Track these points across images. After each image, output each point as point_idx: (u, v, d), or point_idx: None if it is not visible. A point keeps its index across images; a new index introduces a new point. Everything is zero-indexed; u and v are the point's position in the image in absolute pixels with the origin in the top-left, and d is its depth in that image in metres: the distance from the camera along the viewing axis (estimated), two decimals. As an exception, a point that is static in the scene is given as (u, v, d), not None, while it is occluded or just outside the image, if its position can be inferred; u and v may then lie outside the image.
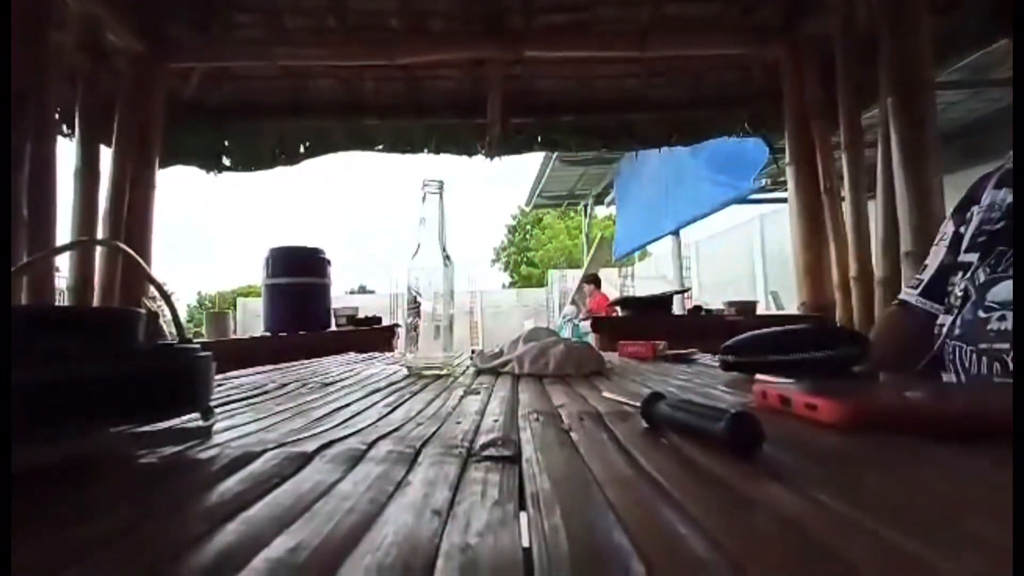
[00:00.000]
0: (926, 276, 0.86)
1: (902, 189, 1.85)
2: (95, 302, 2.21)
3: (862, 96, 2.28)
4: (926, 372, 0.81)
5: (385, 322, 2.85)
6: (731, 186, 4.66)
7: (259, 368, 0.93)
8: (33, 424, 0.27)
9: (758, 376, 0.57)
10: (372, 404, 0.53)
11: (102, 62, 2.33)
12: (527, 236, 22.61)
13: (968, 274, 0.75)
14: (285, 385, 0.69)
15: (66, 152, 2.15)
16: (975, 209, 0.80)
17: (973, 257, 0.75)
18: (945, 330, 0.78)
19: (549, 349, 0.79)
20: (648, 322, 2.53)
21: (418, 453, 0.32)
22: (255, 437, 0.37)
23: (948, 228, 0.85)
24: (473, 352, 1.02)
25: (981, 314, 0.70)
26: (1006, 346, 0.67)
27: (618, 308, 2.90)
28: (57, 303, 2.23)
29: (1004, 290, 0.69)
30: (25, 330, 0.31)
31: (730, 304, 2.76)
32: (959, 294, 0.77)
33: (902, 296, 0.89)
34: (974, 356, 0.71)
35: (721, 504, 0.23)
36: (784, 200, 3.33)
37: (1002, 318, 0.68)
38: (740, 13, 2.75)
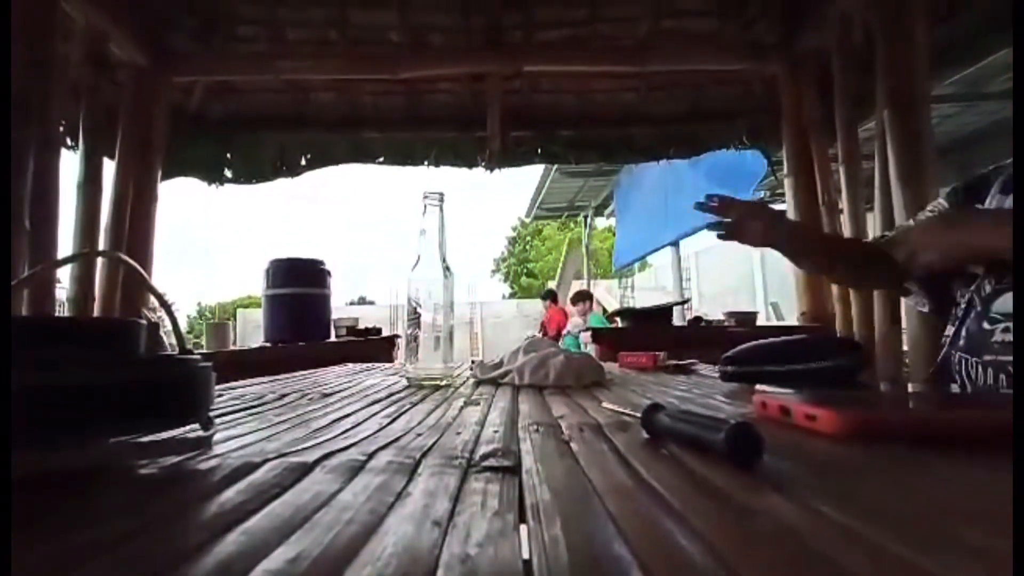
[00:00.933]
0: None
1: (900, 201, 1.86)
2: (95, 313, 2.21)
3: (859, 109, 2.30)
4: (933, 382, 0.80)
5: (385, 333, 2.85)
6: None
7: (259, 379, 0.93)
8: (34, 433, 0.27)
9: (758, 386, 0.57)
10: (372, 415, 0.53)
11: (106, 75, 2.36)
12: (527, 247, 22.67)
13: (973, 285, 0.75)
14: (285, 396, 0.68)
15: (69, 164, 2.16)
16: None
17: (978, 268, 0.75)
18: (949, 340, 0.77)
19: (549, 360, 0.79)
20: (648, 333, 2.52)
21: (418, 464, 0.32)
22: (255, 447, 0.37)
23: (942, 203, 0.85)
24: (473, 363, 1.02)
25: (986, 326, 0.70)
26: (1011, 358, 0.67)
27: (618, 319, 2.89)
28: (58, 314, 2.23)
29: (1009, 302, 0.69)
30: (26, 340, 0.31)
31: (730, 315, 2.76)
32: (963, 304, 0.76)
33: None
34: (979, 368, 0.71)
35: (721, 515, 0.23)
36: (783, 212, 3.34)
37: (1006, 330, 0.68)
38: (738, 29, 2.78)
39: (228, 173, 3.08)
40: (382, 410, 0.56)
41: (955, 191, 0.85)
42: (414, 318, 0.80)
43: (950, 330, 0.78)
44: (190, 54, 2.71)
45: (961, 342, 0.75)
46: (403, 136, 3.15)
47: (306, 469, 0.31)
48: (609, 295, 9.16)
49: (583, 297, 5.40)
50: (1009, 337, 0.67)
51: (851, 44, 2.30)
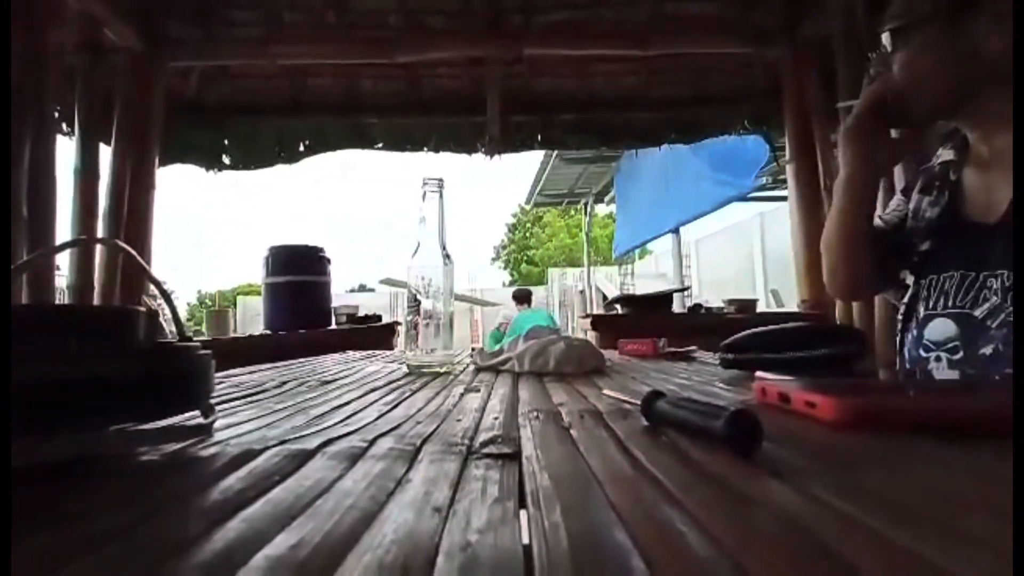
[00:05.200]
0: (887, 215, 0.85)
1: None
2: (95, 301, 2.21)
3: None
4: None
5: (385, 320, 2.85)
6: (731, 184, 4.65)
7: (259, 366, 0.93)
8: (34, 422, 0.27)
9: (758, 374, 0.57)
10: (372, 402, 0.53)
11: (101, 60, 2.33)
12: (527, 234, 22.62)
13: (906, 297, 0.76)
14: (285, 383, 0.69)
15: (65, 151, 2.15)
16: (908, 207, 0.80)
17: (908, 277, 0.76)
18: (898, 353, 0.79)
19: (549, 347, 0.79)
20: (648, 320, 2.52)
21: (419, 451, 0.33)
22: (256, 435, 0.37)
23: (897, 203, 0.85)
24: (473, 350, 1.02)
25: (922, 353, 0.72)
26: None
27: (618, 306, 2.90)
28: (57, 302, 2.23)
29: (938, 329, 0.70)
30: (26, 329, 0.31)
31: (730, 302, 2.76)
32: (900, 317, 0.78)
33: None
34: None
35: (721, 501, 0.23)
36: (784, 198, 3.33)
37: (938, 359, 0.69)
38: (740, 12, 2.75)
39: (226, 159, 3.06)
40: (382, 397, 0.56)
41: (903, 190, 0.86)
42: (414, 305, 0.80)
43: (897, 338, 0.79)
44: (186, 39, 2.68)
45: (907, 364, 0.76)
46: (402, 121, 3.12)
47: (306, 456, 0.31)
48: (609, 282, 9.15)
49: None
50: (941, 367, 0.69)
51: (854, 28, 2.27)
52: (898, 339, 0.78)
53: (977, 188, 0.72)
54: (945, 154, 0.78)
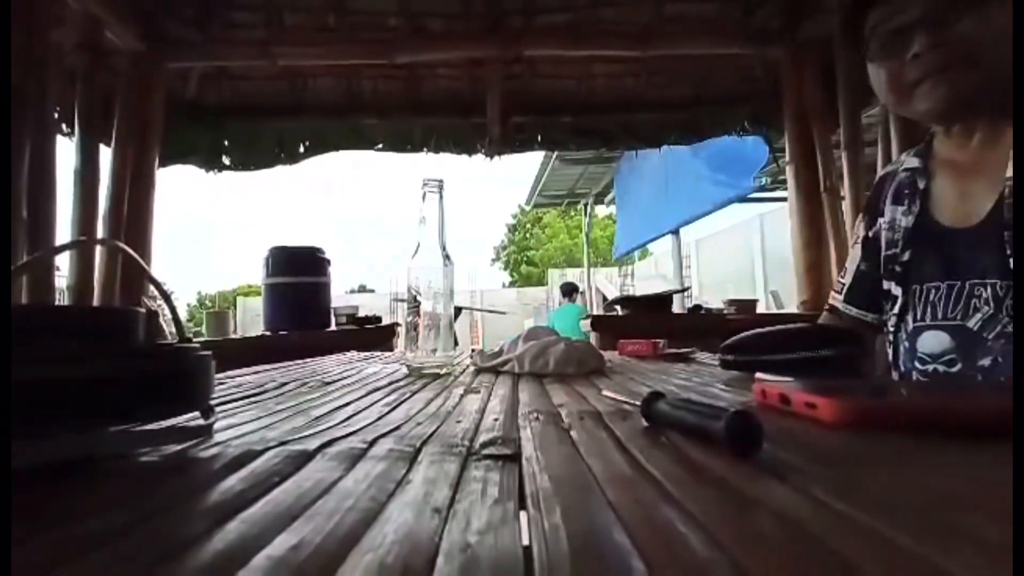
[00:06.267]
0: (847, 280, 0.85)
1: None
2: (95, 301, 2.21)
3: (862, 95, 2.29)
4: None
5: (385, 321, 2.85)
6: (731, 185, 4.67)
7: (259, 367, 0.93)
8: (34, 423, 0.27)
9: (758, 375, 0.57)
10: (372, 403, 0.53)
11: (102, 61, 2.33)
12: (527, 235, 22.64)
13: (895, 308, 0.75)
14: (285, 384, 0.69)
15: (65, 151, 2.15)
16: (881, 222, 0.79)
17: (895, 288, 0.75)
18: (892, 365, 0.78)
19: (549, 348, 0.79)
20: (648, 321, 2.52)
21: (418, 452, 0.33)
22: (256, 436, 0.37)
23: (860, 230, 0.84)
24: (473, 351, 1.02)
25: (918, 365, 0.71)
26: None
27: (618, 307, 2.90)
28: (57, 302, 2.23)
29: (931, 341, 0.69)
30: (25, 330, 0.31)
31: (730, 303, 2.76)
32: (891, 328, 0.76)
33: (831, 301, 0.88)
34: None
35: (721, 503, 0.23)
36: (784, 199, 3.33)
37: (935, 372, 0.69)
38: (740, 14, 2.75)
39: (226, 160, 3.06)
40: (382, 398, 0.56)
41: (864, 209, 0.85)
42: (414, 306, 0.80)
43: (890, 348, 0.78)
44: (186, 40, 2.68)
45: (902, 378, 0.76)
46: (402, 122, 3.13)
47: (307, 457, 0.31)
48: (609, 283, 9.16)
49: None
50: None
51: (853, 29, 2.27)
52: (890, 351, 0.78)
53: (950, 194, 0.71)
54: (909, 161, 0.77)
